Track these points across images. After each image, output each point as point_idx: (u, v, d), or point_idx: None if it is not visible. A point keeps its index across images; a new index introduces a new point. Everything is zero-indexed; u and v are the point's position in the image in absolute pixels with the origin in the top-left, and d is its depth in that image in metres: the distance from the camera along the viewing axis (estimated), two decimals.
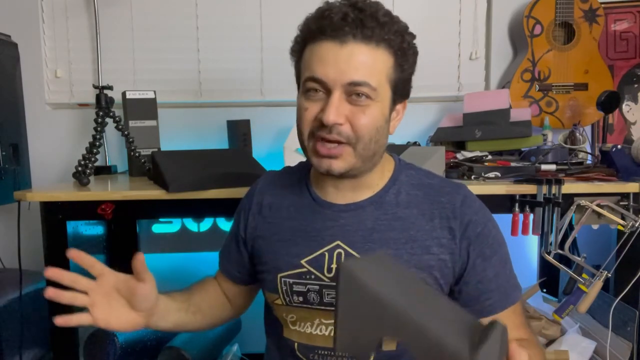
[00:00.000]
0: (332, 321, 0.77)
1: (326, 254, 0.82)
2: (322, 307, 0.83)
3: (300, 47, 0.79)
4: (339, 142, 0.76)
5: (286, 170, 0.97)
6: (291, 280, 0.84)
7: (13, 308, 1.50)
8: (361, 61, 0.73)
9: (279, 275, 0.84)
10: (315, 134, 0.77)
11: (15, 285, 1.45)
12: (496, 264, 0.82)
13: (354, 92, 0.74)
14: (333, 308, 0.71)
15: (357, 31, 0.73)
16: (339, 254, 0.82)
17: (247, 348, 1.76)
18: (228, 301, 0.99)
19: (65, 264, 1.29)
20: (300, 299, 0.83)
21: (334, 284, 0.65)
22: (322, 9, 0.75)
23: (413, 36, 0.79)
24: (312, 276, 0.82)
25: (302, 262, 0.83)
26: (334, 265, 0.81)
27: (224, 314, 0.99)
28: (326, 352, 0.82)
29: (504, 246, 0.84)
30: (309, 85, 0.76)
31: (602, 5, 1.71)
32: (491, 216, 0.85)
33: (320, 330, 0.83)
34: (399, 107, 0.83)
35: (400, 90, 0.80)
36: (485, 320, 0.74)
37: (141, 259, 0.72)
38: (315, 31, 0.75)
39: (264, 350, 0.98)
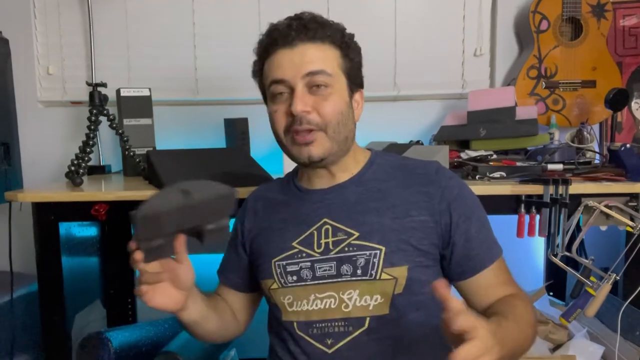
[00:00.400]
0: (327, 294, 0.87)
1: (315, 232, 0.90)
2: (316, 282, 0.88)
3: (260, 67, 0.92)
4: (311, 130, 0.86)
5: (276, 180, 1.08)
6: (284, 263, 0.90)
7: (4, 311, 1.50)
8: (312, 55, 0.86)
9: (273, 261, 0.91)
10: (289, 128, 0.87)
11: (6, 288, 1.45)
12: (476, 222, 0.89)
13: (313, 82, 0.85)
14: (326, 281, 0.87)
15: (302, 35, 0.86)
16: (327, 230, 0.90)
17: (245, 353, 1.75)
18: (233, 314, 1.03)
19: (57, 266, 1.29)
20: (294, 277, 0.89)
21: (325, 257, 0.87)
22: (270, 27, 0.89)
23: (352, 35, 0.92)
24: (304, 254, 0.89)
25: (293, 244, 0.91)
26: (322, 241, 0.89)
27: (232, 325, 1.02)
28: (323, 324, 0.87)
29: (481, 207, 0.93)
30: (273, 88, 0.88)
31: (611, 0, 1.71)
32: (464, 183, 0.94)
33: (316, 305, 0.88)
34: (357, 96, 0.93)
35: (354, 78, 0.91)
36: (478, 279, 0.88)
37: (181, 240, 0.76)
38: (268, 45, 0.88)
39: (265, 355, 1.00)
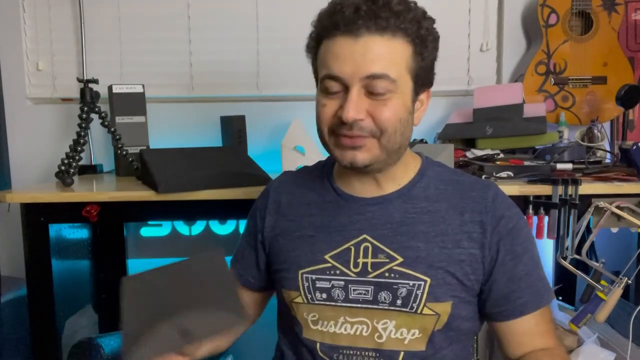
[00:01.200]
0: (358, 319, 0.82)
1: (352, 248, 0.84)
2: (348, 304, 0.84)
3: (315, 44, 0.82)
4: (362, 136, 0.78)
5: (304, 170, 1.00)
6: (314, 277, 0.85)
7: None
8: (377, 53, 0.75)
9: (300, 272, 0.86)
10: (336, 131, 0.80)
11: None
12: (528, 262, 0.84)
13: (372, 86, 0.76)
14: (360, 305, 0.82)
15: (370, 23, 0.75)
16: (366, 248, 0.84)
17: (242, 359, 1.76)
18: None
19: (47, 269, 1.29)
20: (324, 295, 0.84)
21: (362, 279, 0.81)
22: (334, 2, 0.78)
23: (432, 20, 0.81)
24: (337, 271, 0.84)
25: (326, 257, 0.85)
26: (360, 260, 0.83)
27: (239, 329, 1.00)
28: (352, 352, 0.84)
29: (536, 247, 0.87)
30: (327, 84, 0.79)
31: None
32: (523, 215, 0.88)
33: (345, 329, 0.84)
34: (422, 96, 0.85)
35: (422, 79, 0.83)
36: (515, 324, 0.82)
37: None
38: (328, 27, 0.78)
39: (272, 357, 0.99)
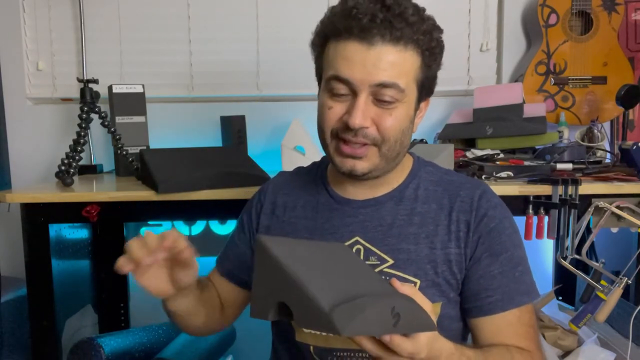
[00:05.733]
0: None
1: None
2: None
3: (322, 42, 0.82)
4: (364, 144, 0.79)
5: (299, 171, 1.00)
6: None
7: None
8: (390, 62, 0.76)
9: None
10: (339, 135, 0.79)
11: None
12: (504, 262, 0.83)
13: (381, 94, 0.77)
14: None
15: (385, 32, 0.75)
16: (358, 250, 0.85)
17: (241, 359, 1.76)
18: (221, 306, 1.00)
19: (47, 269, 1.29)
20: None
21: None
22: (350, 6, 0.77)
23: (441, 31, 0.82)
24: None
25: None
26: None
27: (217, 322, 0.99)
28: (345, 354, 0.83)
29: (519, 249, 0.86)
30: (334, 85, 0.78)
31: None
32: (509, 215, 0.88)
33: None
34: (422, 105, 0.86)
35: (427, 89, 0.84)
36: (484, 322, 0.81)
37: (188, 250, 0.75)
38: (341, 30, 0.77)
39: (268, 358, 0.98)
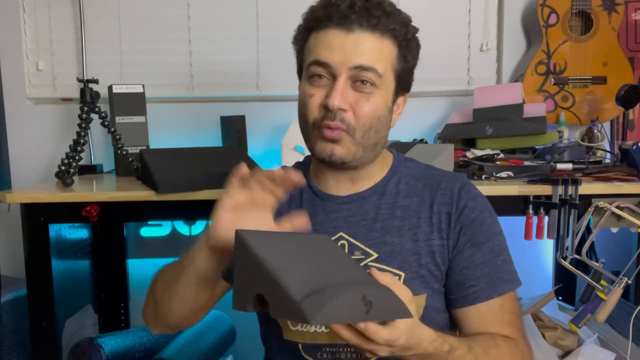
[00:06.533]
0: None
1: None
2: None
3: (304, 36, 0.85)
4: (341, 129, 0.81)
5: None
6: None
7: None
8: (368, 47, 0.79)
9: None
10: (320, 124, 0.81)
11: None
12: (487, 252, 0.86)
13: (359, 78, 0.79)
14: None
15: (363, 20, 0.78)
16: (342, 245, 0.86)
17: (241, 359, 1.76)
18: (205, 307, 0.95)
19: (47, 269, 1.29)
20: None
21: None
22: None
23: (416, 29, 0.85)
24: None
25: None
26: None
27: (194, 316, 0.94)
28: (334, 349, 0.84)
29: (500, 238, 0.89)
30: (314, 69, 0.81)
31: None
32: (489, 206, 0.90)
33: (325, 327, 0.84)
34: (399, 100, 0.88)
35: (404, 82, 0.86)
36: (469, 311, 0.83)
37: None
38: (321, 18, 0.81)
39: None
